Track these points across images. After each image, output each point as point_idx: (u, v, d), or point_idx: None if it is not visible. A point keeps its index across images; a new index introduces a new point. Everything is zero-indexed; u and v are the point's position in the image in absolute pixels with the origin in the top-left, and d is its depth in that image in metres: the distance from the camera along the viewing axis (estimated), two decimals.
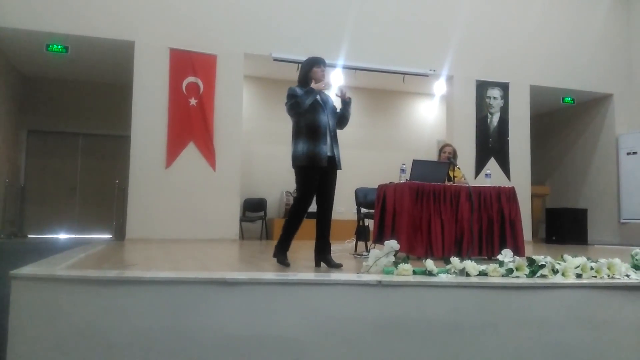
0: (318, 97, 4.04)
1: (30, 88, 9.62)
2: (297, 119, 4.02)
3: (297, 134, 4.02)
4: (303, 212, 4.02)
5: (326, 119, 4.02)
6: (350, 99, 4.21)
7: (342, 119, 4.21)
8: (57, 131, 9.91)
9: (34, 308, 2.62)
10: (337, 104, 4.29)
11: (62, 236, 9.69)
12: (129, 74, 7.80)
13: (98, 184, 9.88)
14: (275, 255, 4.06)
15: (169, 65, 7.82)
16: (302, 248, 4.77)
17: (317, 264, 4.03)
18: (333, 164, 4.04)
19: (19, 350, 2.57)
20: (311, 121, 3.96)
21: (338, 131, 4.21)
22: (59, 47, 7.75)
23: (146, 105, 7.70)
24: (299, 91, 3.99)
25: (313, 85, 4.00)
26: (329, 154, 3.99)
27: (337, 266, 3.92)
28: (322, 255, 4.02)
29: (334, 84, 8.42)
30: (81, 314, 2.63)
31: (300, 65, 4.27)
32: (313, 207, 3.98)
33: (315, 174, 3.97)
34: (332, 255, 4.09)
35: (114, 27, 7.64)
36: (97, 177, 9.94)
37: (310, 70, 4.08)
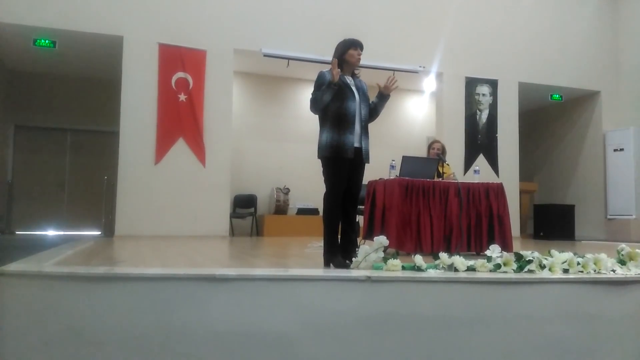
0: (350, 81, 3.75)
1: (17, 83, 9.51)
2: (323, 106, 3.69)
3: (323, 121, 3.73)
4: (336, 206, 3.73)
5: (356, 106, 3.69)
6: (389, 95, 3.87)
7: (372, 112, 3.87)
8: (45, 127, 9.82)
9: (21, 305, 2.60)
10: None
11: (51, 233, 9.61)
12: (117, 69, 7.74)
13: (86, 180, 9.80)
14: (327, 263, 3.71)
15: (158, 61, 7.77)
16: (293, 244, 4.78)
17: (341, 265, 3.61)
18: (360, 157, 3.73)
19: (6, 348, 2.55)
20: (338, 108, 3.64)
21: None
22: (47, 41, 7.65)
23: (135, 101, 7.65)
24: (328, 76, 3.62)
25: (332, 74, 3.56)
26: (356, 145, 3.68)
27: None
28: (347, 255, 3.65)
29: None
30: (69, 311, 2.61)
31: (335, 47, 3.85)
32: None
33: (343, 164, 3.66)
34: (317, 250, 3.89)
35: (103, 21, 7.57)
36: (86, 173, 9.86)
37: (346, 52, 3.74)
